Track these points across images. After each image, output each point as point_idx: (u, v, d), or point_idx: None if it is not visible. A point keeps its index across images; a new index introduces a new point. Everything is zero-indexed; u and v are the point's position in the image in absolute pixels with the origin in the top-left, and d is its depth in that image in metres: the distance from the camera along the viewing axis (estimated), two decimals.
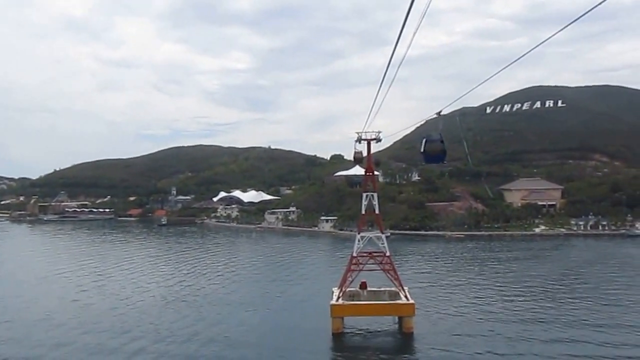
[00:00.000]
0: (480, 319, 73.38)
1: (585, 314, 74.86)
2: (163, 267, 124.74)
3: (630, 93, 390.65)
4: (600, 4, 12.93)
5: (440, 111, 25.82)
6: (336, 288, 72.72)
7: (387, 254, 70.73)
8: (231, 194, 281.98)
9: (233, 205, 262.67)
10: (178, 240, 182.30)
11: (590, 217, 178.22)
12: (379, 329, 69.49)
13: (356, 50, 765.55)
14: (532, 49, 17.26)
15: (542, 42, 17.02)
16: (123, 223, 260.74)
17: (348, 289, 70.94)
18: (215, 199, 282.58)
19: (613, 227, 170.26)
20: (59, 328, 70.68)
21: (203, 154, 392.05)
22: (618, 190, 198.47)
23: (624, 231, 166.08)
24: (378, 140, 70.65)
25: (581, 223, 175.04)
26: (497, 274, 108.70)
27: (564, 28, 15.17)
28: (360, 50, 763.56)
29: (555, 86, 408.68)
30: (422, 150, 26.43)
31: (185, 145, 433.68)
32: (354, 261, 71.02)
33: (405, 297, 68.26)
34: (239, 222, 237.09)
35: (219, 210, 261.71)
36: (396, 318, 69.59)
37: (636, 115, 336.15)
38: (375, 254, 71.53)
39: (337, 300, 68.24)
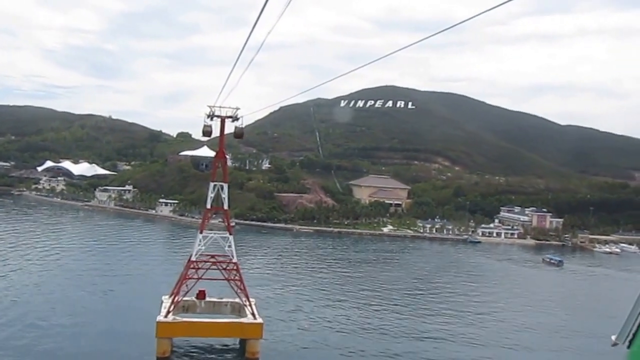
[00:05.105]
0: (333, 334, 65.54)
1: (435, 326, 70.51)
2: None
3: (472, 103, 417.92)
4: None
5: None
6: (167, 296, 58.43)
7: (234, 259, 57.89)
8: (59, 164, 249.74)
9: (60, 178, 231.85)
10: None
11: (436, 220, 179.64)
12: (216, 351, 56.69)
13: (215, 27, 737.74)
14: (396, 51, 19.03)
15: (407, 47, 17.08)
16: None
17: (182, 299, 57.09)
18: (39, 169, 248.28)
19: (457, 232, 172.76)
20: None
21: (31, 116, 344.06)
22: (461, 195, 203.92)
23: (466, 237, 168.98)
24: (235, 119, 57.76)
25: (427, 225, 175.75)
26: (348, 279, 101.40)
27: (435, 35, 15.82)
28: (219, 28, 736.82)
29: (407, 88, 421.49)
30: None
31: (12, 104, 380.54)
32: (192, 266, 57.15)
33: (252, 313, 56.01)
34: (64, 198, 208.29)
35: (42, 181, 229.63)
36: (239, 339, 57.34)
37: (476, 124, 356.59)
38: (219, 260, 58.14)
39: (165, 315, 53.98)
